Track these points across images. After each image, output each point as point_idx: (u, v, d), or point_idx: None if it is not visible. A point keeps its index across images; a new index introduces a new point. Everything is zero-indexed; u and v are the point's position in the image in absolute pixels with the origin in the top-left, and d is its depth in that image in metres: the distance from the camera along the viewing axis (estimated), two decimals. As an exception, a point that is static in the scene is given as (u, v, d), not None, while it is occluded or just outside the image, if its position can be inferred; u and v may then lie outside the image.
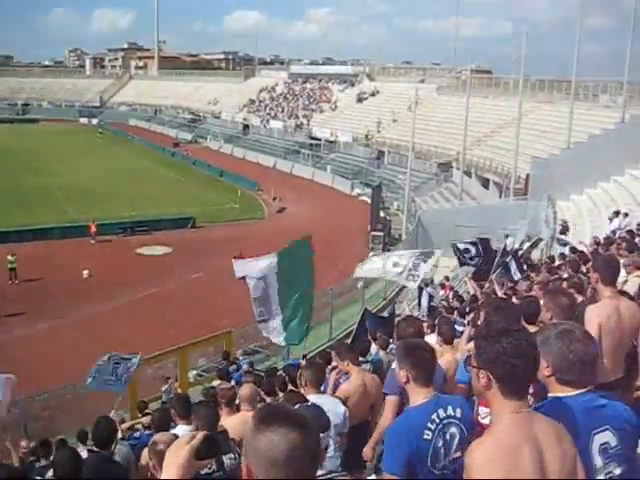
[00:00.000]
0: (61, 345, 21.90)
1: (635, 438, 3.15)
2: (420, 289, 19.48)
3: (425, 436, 3.52)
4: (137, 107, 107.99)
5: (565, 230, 26.10)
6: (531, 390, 3.37)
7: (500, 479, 2.48)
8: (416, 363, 3.80)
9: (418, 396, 3.76)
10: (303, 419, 1.93)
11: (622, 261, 9.94)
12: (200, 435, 2.21)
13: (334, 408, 5.95)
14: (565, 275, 11.43)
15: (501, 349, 2.62)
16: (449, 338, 7.25)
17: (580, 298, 5.72)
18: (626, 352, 4.83)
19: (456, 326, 9.05)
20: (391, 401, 5.08)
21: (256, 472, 1.90)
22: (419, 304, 21.44)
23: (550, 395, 3.12)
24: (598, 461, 2.95)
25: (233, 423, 5.69)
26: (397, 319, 12.50)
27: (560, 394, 3.05)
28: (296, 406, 3.69)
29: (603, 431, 2.97)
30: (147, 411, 11.91)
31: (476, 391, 2.86)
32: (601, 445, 2.95)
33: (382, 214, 40.07)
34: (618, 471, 3.00)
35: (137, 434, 9.06)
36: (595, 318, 4.79)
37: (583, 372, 3.02)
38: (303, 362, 11.45)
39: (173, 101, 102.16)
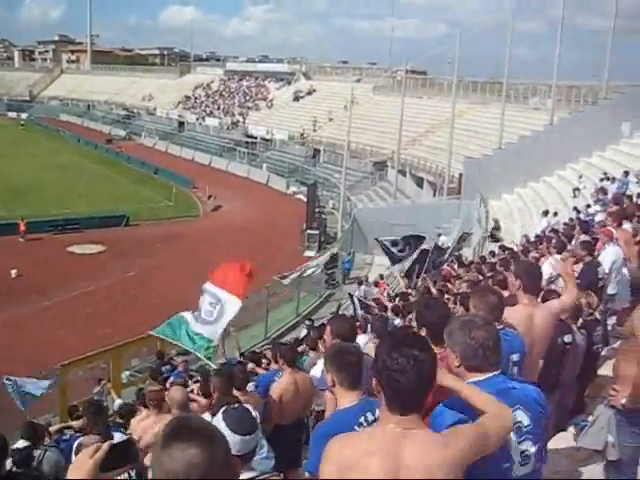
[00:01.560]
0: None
1: (544, 415, 3.29)
2: (350, 296, 19.48)
3: None
4: (69, 102, 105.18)
5: (497, 229, 26.78)
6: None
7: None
8: (341, 367, 3.77)
9: (344, 400, 3.74)
10: (207, 433, 1.94)
11: (559, 256, 10.29)
12: (105, 446, 2.19)
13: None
14: (489, 274, 11.73)
15: (388, 363, 2.59)
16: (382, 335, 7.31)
17: (506, 293, 5.81)
18: (539, 359, 4.90)
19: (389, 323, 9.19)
20: (329, 395, 5.06)
21: None
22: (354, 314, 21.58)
23: (466, 382, 3.20)
24: (512, 438, 3.07)
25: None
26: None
27: (471, 380, 3.15)
28: (223, 408, 3.66)
29: (515, 410, 3.09)
30: (78, 414, 11.63)
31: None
32: (514, 425, 3.06)
33: (318, 212, 40.21)
34: (533, 449, 3.16)
35: (67, 436, 8.85)
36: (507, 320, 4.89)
37: (486, 356, 3.15)
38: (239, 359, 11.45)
39: (106, 97, 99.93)
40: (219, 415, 3.55)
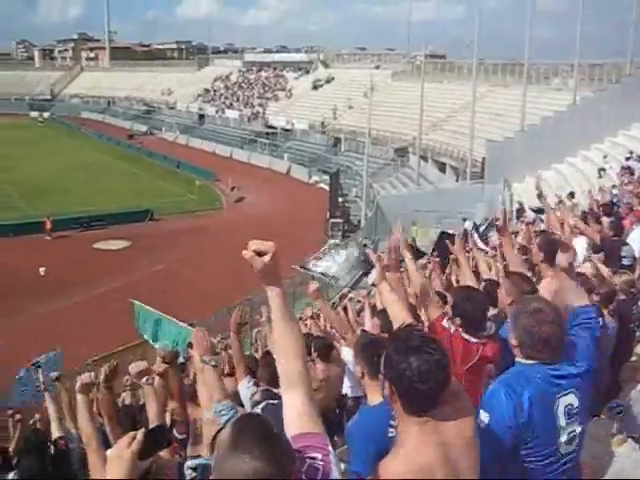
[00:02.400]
0: (19, 344, 21.44)
1: (590, 398, 3.34)
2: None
3: (390, 434, 3.39)
4: (89, 99, 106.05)
5: (521, 211, 26.48)
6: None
7: None
8: (372, 359, 3.55)
9: (376, 393, 3.55)
10: (273, 445, 1.88)
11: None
12: (140, 436, 2.21)
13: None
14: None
15: (408, 370, 2.44)
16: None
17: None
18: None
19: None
20: None
21: None
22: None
23: (517, 360, 3.25)
24: (562, 422, 3.11)
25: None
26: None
27: (525, 361, 3.18)
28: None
29: (568, 394, 3.13)
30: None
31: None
32: (566, 407, 3.11)
33: (340, 201, 40.15)
34: (579, 429, 3.18)
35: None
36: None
37: (545, 352, 3.13)
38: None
39: (126, 92, 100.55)
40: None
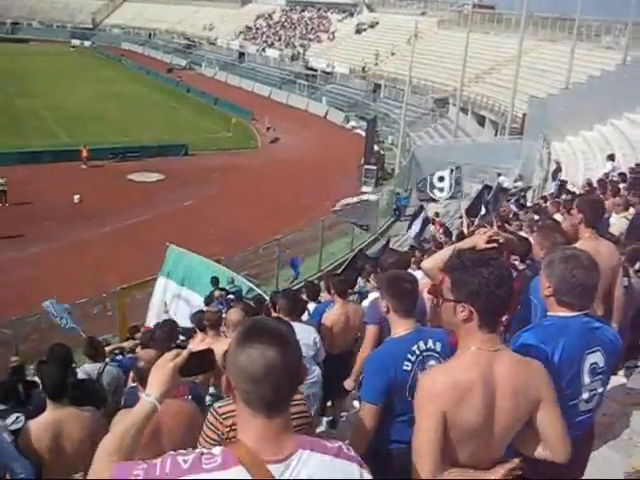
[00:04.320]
0: (51, 269, 21.99)
1: (617, 360, 3.35)
2: (415, 216, 19.50)
3: (405, 367, 3.55)
4: (130, 30, 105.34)
5: (558, 171, 26.10)
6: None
7: (444, 411, 2.50)
8: (396, 294, 3.79)
9: (399, 327, 3.76)
10: (284, 336, 1.95)
11: (613, 200, 10.03)
12: (185, 352, 2.30)
13: (307, 336, 6.06)
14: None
15: (484, 280, 2.54)
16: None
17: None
18: (604, 293, 4.89)
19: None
20: (370, 330, 5.12)
21: (235, 385, 1.95)
22: (409, 227, 21.54)
23: (549, 314, 3.22)
24: (586, 379, 3.11)
25: (222, 347, 5.71)
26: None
27: (561, 314, 3.14)
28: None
29: (595, 352, 3.11)
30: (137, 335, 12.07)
31: (448, 326, 2.78)
32: (591, 365, 3.10)
33: (376, 148, 39.85)
34: (601, 389, 3.19)
35: (120, 357, 9.21)
36: None
37: (582, 297, 3.11)
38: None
39: (167, 25, 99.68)
40: None
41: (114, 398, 6.63)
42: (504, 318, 2.82)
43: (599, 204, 5.60)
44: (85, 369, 6.96)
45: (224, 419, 3.47)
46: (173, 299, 14.35)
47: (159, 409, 2.23)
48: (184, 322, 9.31)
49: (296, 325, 6.20)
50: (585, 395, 3.12)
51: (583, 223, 5.03)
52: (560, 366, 2.99)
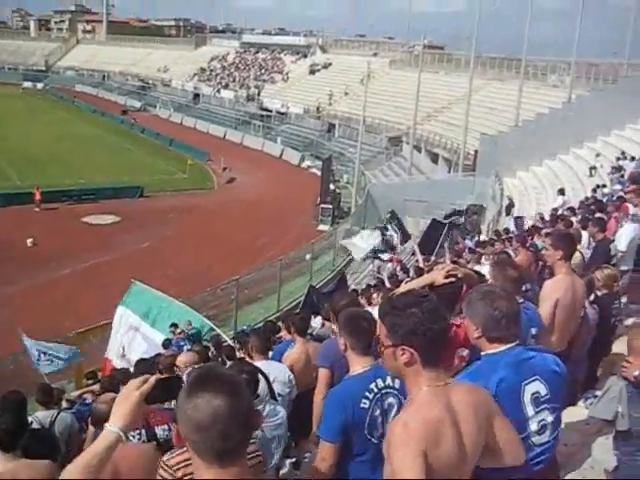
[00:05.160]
0: (6, 313, 21.42)
1: (563, 385, 3.33)
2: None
3: (362, 405, 3.54)
4: (84, 72, 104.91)
5: (511, 206, 26.64)
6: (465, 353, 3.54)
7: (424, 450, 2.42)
8: (354, 331, 3.79)
9: (357, 365, 3.76)
10: (233, 383, 1.94)
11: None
12: (152, 379, 2.26)
13: (282, 374, 6.04)
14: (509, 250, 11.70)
15: (417, 319, 2.55)
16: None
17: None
18: (576, 325, 5.04)
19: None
20: (322, 373, 5.15)
21: (184, 436, 1.93)
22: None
23: (482, 354, 3.25)
24: (530, 411, 3.13)
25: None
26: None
27: (490, 351, 3.18)
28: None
29: (533, 381, 3.14)
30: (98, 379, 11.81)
31: (394, 372, 2.80)
32: (532, 395, 3.12)
33: (332, 187, 40.15)
34: (550, 418, 3.20)
35: (88, 400, 9.01)
36: (553, 293, 5.04)
37: (509, 327, 3.15)
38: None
39: (122, 67, 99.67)
40: None
41: (67, 447, 6.44)
42: (465, 353, 2.85)
43: (572, 237, 5.80)
44: (37, 417, 6.76)
45: (175, 471, 3.34)
46: (129, 330, 14.09)
47: (124, 439, 2.19)
48: (137, 355, 9.17)
49: (271, 363, 6.18)
50: (534, 427, 3.13)
51: (563, 259, 5.18)
52: (497, 402, 2.92)
